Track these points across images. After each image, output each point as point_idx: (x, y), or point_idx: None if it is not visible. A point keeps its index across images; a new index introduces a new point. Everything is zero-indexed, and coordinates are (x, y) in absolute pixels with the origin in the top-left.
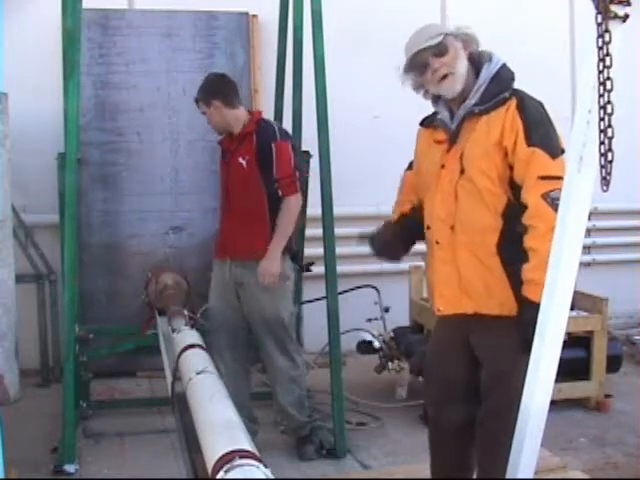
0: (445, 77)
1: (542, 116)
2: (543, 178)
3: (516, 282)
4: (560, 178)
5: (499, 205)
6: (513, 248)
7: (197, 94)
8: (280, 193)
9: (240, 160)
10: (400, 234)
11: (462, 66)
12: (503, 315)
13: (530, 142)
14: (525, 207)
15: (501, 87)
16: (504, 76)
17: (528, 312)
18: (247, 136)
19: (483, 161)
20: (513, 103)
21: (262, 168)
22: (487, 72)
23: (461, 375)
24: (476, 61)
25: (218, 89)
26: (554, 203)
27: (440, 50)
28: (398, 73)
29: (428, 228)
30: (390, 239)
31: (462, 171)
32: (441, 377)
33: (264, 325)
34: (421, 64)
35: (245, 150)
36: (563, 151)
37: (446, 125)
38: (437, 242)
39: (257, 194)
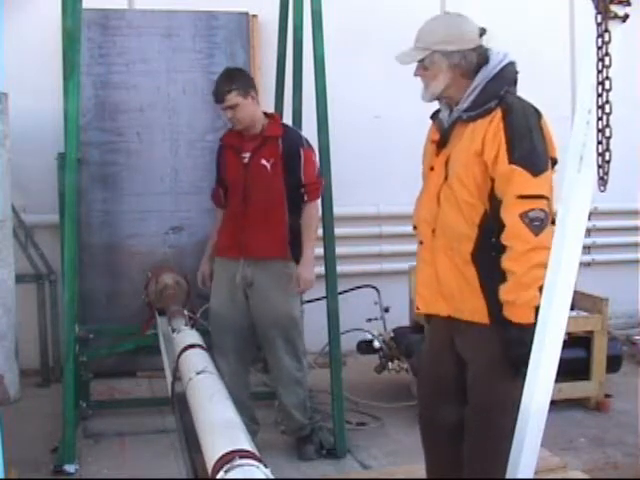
0: (424, 83)
1: (528, 129)
2: (522, 197)
3: (489, 292)
4: (541, 197)
5: (475, 216)
6: (488, 258)
7: (231, 84)
8: (306, 198)
9: (263, 162)
10: None
11: (437, 86)
12: (475, 322)
13: (511, 159)
14: (503, 226)
15: (495, 92)
16: (504, 78)
17: (510, 332)
18: (271, 139)
19: (462, 171)
20: (498, 114)
21: (287, 172)
22: (482, 76)
23: (450, 375)
24: (477, 66)
25: (251, 81)
26: (532, 224)
27: (424, 64)
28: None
29: (415, 228)
30: None
31: (446, 177)
32: (432, 376)
33: (276, 324)
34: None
35: (269, 152)
36: (556, 162)
37: (442, 126)
38: (421, 242)
39: (279, 196)
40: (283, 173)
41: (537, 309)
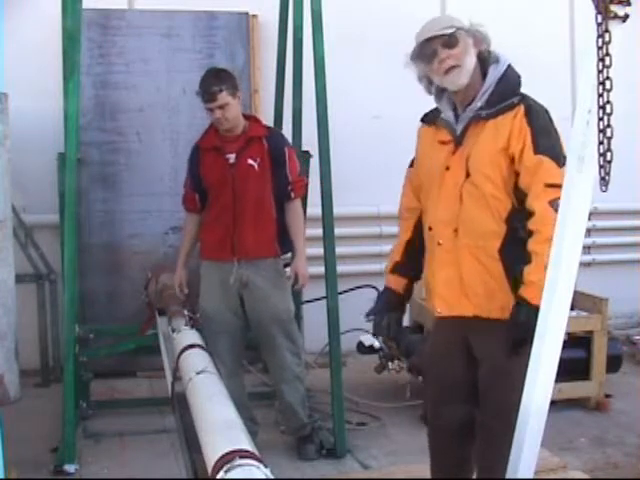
0: (452, 69)
1: (548, 125)
2: (550, 186)
3: (517, 287)
4: (562, 187)
5: (503, 211)
6: (515, 253)
7: (221, 84)
8: (292, 195)
9: (250, 162)
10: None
11: (470, 61)
12: (503, 318)
13: (537, 150)
14: (530, 213)
15: (508, 91)
16: (511, 79)
17: (523, 313)
18: (255, 139)
19: (489, 166)
20: (521, 110)
21: (274, 171)
22: (494, 74)
23: (460, 376)
24: (484, 61)
25: (237, 82)
26: (557, 211)
27: (450, 41)
28: (405, 60)
29: (430, 229)
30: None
31: (467, 175)
32: (440, 378)
33: (276, 321)
34: (429, 53)
35: (255, 152)
36: (565, 159)
37: (451, 126)
38: (439, 244)
39: (268, 195)
40: (270, 172)
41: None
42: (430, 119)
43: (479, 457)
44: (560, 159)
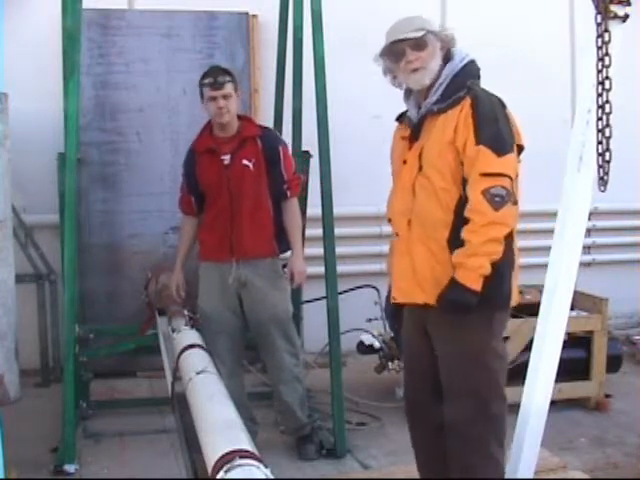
0: (417, 70)
1: (494, 114)
2: (485, 175)
3: None
4: (503, 175)
5: (451, 201)
6: (463, 244)
7: (227, 76)
8: (288, 194)
9: (245, 162)
10: None
11: (435, 64)
12: None
13: (478, 141)
14: (466, 201)
15: (459, 86)
16: (467, 74)
17: (453, 292)
18: (249, 139)
19: (438, 159)
20: (467, 103)
21: (270, 170)
22: (448, 70)
23: (429, 364)
24: (447, 60)
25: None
26: (494, 199)
27: (419, 44)
28: (374, 56)
29: (389, 221)
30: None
31: (420, 168)
32: (414, 368)
33: (275, 321)
34: (398, 53)
35: (250, 152)
36: (522, 149)
37: (411, 122)
38: (396, 234)
39: (265, 194)
40: (266, 171)
41: (485, 280)
42: (402, 118)
43: (449, 458)
44: (501, 148)
